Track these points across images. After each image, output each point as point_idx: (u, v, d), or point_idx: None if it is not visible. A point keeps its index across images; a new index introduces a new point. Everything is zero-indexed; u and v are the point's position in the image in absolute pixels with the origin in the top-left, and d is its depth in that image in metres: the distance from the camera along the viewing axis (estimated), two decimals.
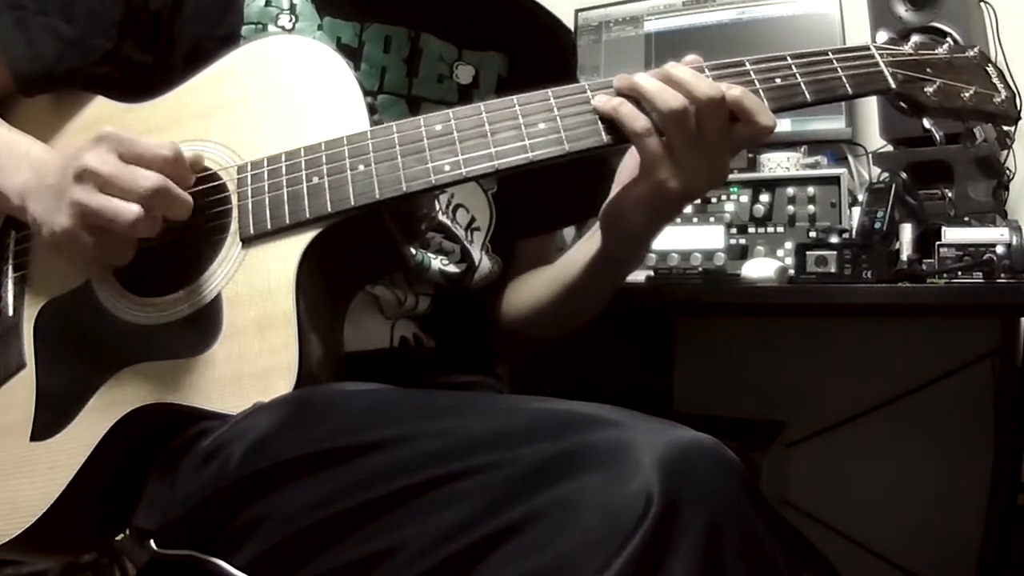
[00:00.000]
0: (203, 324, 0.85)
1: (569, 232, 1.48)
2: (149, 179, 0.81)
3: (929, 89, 0.91)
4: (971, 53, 0.95)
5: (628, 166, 0.93)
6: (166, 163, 0.83)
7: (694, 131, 0.83)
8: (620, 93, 0.86)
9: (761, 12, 1.87)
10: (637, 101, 0.85)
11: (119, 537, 0.93)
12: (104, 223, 0.81)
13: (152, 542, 0.82)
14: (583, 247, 1.06)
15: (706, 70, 0.87)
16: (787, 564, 0.65)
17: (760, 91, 0.87)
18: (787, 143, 1.71)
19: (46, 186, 0.85)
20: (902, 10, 1.60)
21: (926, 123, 0.94)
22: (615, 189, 0.94)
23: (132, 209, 0.81)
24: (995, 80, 0.95)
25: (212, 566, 0.77)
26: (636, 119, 0.84)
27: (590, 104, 0.86)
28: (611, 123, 0.85)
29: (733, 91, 0.84)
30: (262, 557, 0.74)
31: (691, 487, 0.61)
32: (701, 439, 0.65)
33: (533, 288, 1.15)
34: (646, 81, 0.84)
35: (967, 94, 0.93)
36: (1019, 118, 0.96)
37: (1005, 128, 0.97)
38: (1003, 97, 0.94)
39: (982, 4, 1.68)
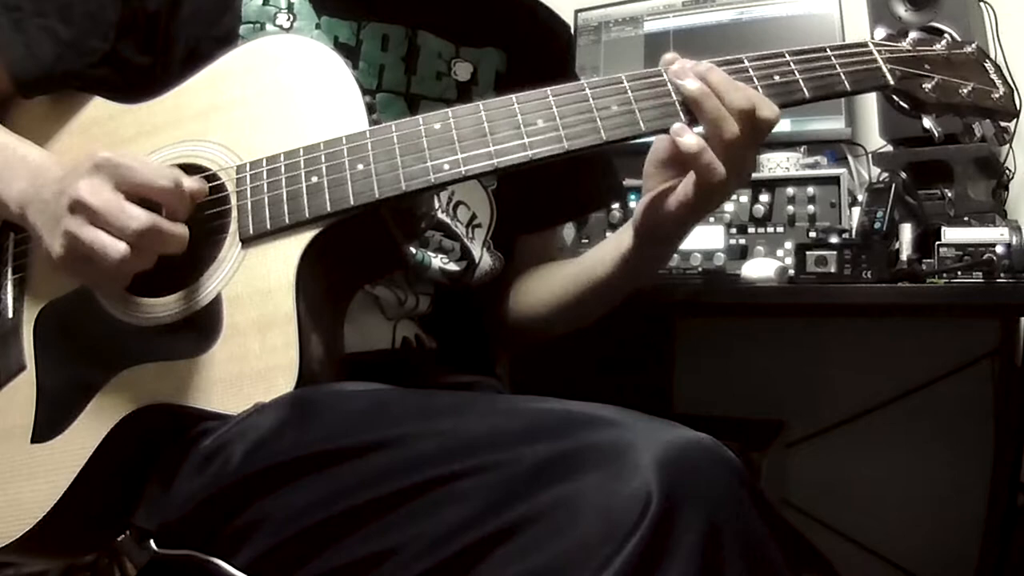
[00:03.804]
0: (203, 325, 0.85)
1: (569, 232, 1.48)
2: (138, 220, 0.79)
3: (927, 85, 0.91)
4: (969, 49, 0.96)
5: (655, 168, 0.93)
6: (163, 194, 0.82)
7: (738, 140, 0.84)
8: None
9: (761, 12, 1.87)
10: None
11: (119, 537, 0.93)
12: (94, 257, 0.80)
13: (152, 542, 0.82)
14: (612, 244, 1.05)
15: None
16: (787, 564, 0.66)
17: (759, 88, 0.87)
18: (787, 143, 1.71)
19: (43, 200, 0.84)
20: (902, 10, 1.60)
21: (926, 122, 0.94)
22: (650, 191, 0.94)
23: (119, 248, 0.79)
24: (993, 76, 0.95)
25: (212, 566, 0.77)
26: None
27: (589, 102, 0.86)
28: (612, 121, 0.85)
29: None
30: (262, 557, 0.74)
31: (690, 487, 0.61)
32: (700, 439, 0.66)
33: (551, 284, 1.14)
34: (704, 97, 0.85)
35: (965, 90, 0.93)
36: (1017, 114, 0.96)
37: (1002, 124, 0.97)
38: (1001, 93, 0.94)
39: (982, 4, 1.67)
